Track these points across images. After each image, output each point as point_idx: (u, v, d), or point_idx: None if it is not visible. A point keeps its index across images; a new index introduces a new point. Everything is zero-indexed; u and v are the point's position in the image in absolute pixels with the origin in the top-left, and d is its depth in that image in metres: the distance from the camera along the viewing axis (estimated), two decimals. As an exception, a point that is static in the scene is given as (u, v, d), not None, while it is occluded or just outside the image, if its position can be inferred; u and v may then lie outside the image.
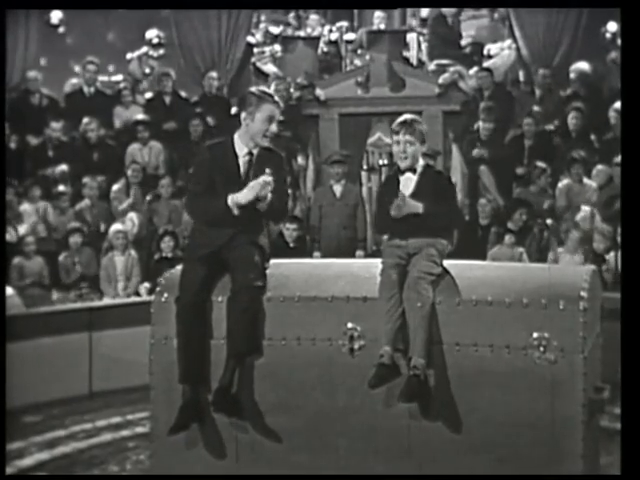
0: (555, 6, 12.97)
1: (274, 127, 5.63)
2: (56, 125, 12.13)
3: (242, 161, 5.61)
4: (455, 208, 5.81)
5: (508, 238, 10.52)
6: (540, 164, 11.30)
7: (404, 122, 5.52)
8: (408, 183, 5.50)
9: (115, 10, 14.18)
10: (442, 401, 5.19)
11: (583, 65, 12.60)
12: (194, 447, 5.52)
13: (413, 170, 5.52)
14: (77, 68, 13.78)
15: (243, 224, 5.50)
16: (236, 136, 5.69)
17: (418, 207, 5.36)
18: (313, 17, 14.80)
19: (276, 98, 5.72)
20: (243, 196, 5.45)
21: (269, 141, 5.66)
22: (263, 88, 5.90)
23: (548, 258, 10.26)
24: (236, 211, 5.45)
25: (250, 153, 5.63)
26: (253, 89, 5.81)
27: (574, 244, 10.26)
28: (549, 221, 10.89)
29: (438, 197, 5.42)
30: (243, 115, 5.63)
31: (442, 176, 5.82)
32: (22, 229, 10.90)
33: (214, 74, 13.30)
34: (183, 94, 13.39)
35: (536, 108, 12.32)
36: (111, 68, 14.36)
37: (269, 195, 5.45)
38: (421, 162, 5.56)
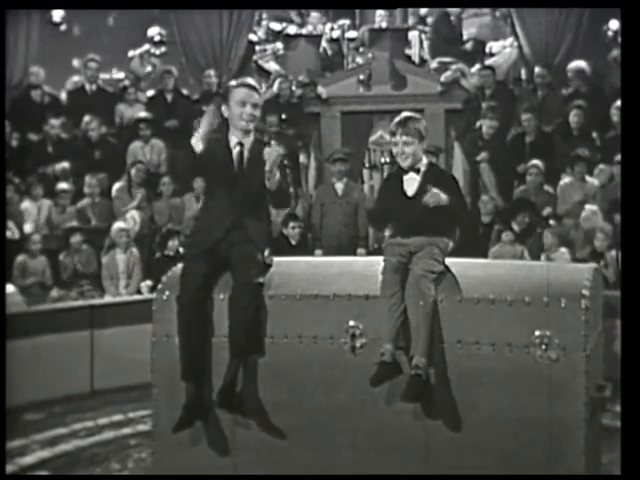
0: (555, 6, 12.97)
1: (249, 109, 5.64)
2: (55, 122, 12.12)
3: (234, 152, 5.65)
4: (463, 203, 5.77)
5: (505, 235, 10.52)
6: (535, 162, 11.27)
7: (399, 122, 5.53)
8: (411, 183, 5.50)
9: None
10: (442, 399, 5.19)
11: (581, 63, 12.60)
12: (198, 444, 5.52)
13: (416, 170, 5.52)
14: (76, 62, 13.79)
15: (239, 216, 5.53)
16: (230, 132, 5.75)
17: (444, 199, 5.33)
18: (315, 15, 14.80)
19: (250, 82, 5.78)
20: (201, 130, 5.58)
21: (250, 125, 5.67)
22: (241, 79, 5.96)
23: (549, 257, 10.25)
24: (200, 146, 5.53)
25: (240, 143, 5.66)
26: (232, 82, 5.89)
27: (550, 242, 10.30)
28: (552, 222, 10.88)
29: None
30: (223, 108, 5.72)
31: (445, 174, 5.81)
32: (27, 227, 10.91)
33: (211, 72, 13.29)
34: (185, 92, 13.40)
35: (535, 104, 12.32)
36: (113, 67, 14.34)
37: (277, 174, 5.48)
38: (424, 161, 5.56)
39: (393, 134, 5.52)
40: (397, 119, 5.56)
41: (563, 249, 10.28)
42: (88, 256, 10.82)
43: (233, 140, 5.67)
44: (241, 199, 5.53)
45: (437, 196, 5.33)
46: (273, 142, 5.65)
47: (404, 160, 5.51)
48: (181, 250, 10.41)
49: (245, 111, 5.64)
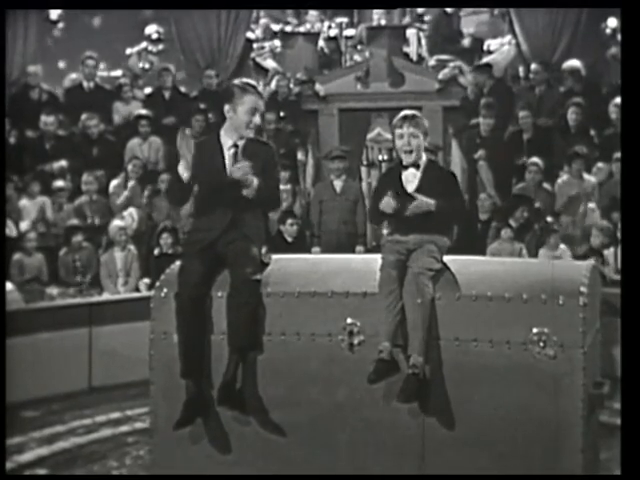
0: (555, 6, 12.96)
1: (257, 119, 5.63)
2: (47, 119, 12.05)
3: (227, 154, 5.62)
4: (462, 202, 5.77)
5: (504, 232, 10.51)
6: (534, 159, 11.28)
7: (406, 116, 5.50)
8: (411, 179, 5.48)
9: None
10: (437, 397, 5.18)
11: (575, 62, 12.60)
12: (198, 442, 5.52)
13: (416, 166, 5.51)
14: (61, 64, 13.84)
15: (236, 214, 5.52)
16: (222, 131, 5.70)
17: (430, 204, 5.35)
18: (313, 13, 14.79)
19: (259, 89, 5.73)
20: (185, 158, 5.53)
21: (254, 132, 5.66)
22: (246, 80, 5.88)
23: (545, 254, 10.25)
24: (187, 174, 5.51)
25: (235, 145, 5.63)
26: (236, 81, 5.81)
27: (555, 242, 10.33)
28: (549, 219, 10.89)
29: (443, 192, 5.41)
30: (226, 108, 5.63)
31: (445, 171, 5.81)
32: (23, 225, 10.90)
33: (212, 72, 13.29)
34: (183, 89, 13.40)
35: (533, 101, 12.32)
36: (110, 63, 14.32)
37: (254, 181, 5.45)
38: (424, 158, 5.55)
39: (399, 126, 5.46)
40: (403, 113, 5.53)
41: (563, 246, 10.29)
42: (88, 255, 10.82)
43: (227, 142, 5.64)
44: (237, 199, 5.50)
45: (422, 204, 5.34)
46: (241, 160, 5.53)
47: (408, 154, 5.46)
48: (179, 248, 10.42)
49: (254, 120, 5.60)
